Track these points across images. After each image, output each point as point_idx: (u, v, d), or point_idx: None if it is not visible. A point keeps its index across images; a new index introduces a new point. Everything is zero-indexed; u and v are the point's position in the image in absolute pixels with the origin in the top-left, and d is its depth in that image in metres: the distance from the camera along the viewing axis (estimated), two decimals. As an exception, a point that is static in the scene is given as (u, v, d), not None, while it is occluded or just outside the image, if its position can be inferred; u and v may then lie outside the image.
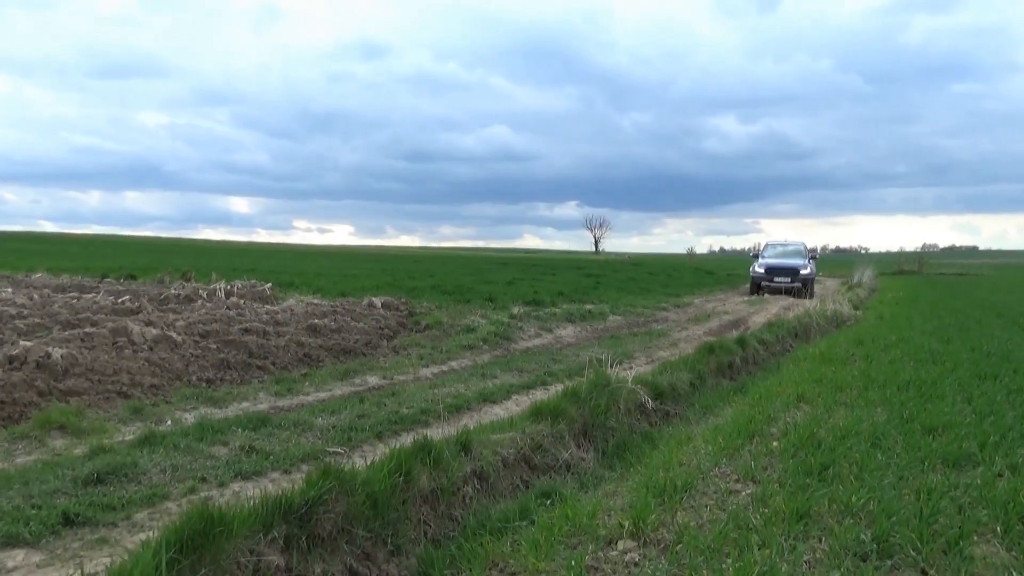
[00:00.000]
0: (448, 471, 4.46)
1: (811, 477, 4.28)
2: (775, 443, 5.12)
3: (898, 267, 49.77)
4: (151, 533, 3.41)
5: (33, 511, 3.95)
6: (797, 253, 26.89)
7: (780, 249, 27.88)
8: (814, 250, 28.18)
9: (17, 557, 3.50)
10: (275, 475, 4.85)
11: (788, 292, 24.66)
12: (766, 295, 24.69)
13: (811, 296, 23.92)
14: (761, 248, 29.21)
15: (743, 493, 4.17)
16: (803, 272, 24.93)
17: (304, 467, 4.88)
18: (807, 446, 4.92)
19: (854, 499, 3.84)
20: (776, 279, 25.09)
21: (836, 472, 4.36)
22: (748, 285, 26.91)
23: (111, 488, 4.40)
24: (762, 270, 25.65)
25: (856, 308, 18.02)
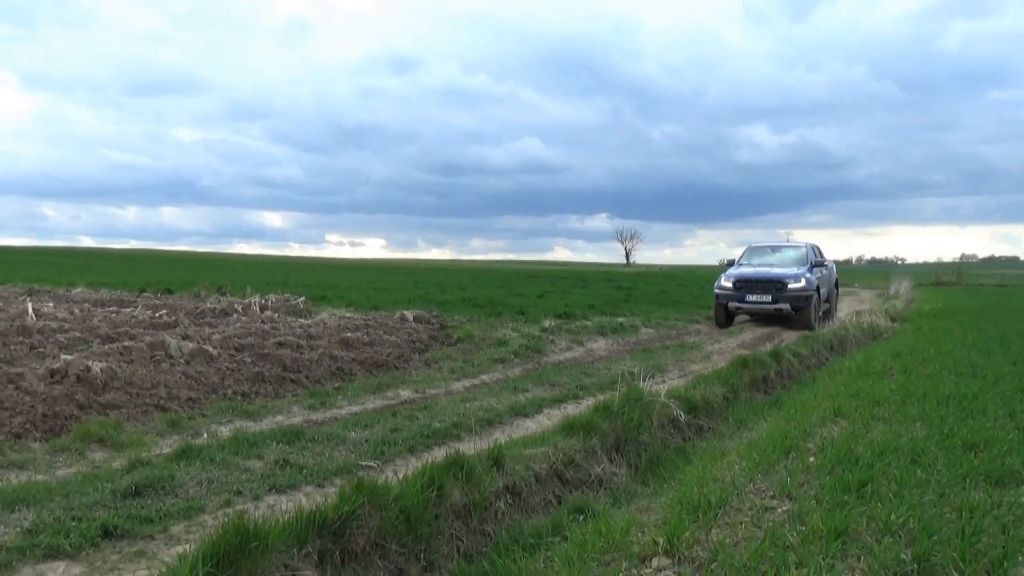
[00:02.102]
0: (480, 486, 4.46)
1: (849, 494, 4.21)
2: (812, 459, 5.05)
3: (936, 278, 48.94)
4: (188, 546, 3.46)
5: (73, 523, 4.01)
6: (793, 260, 18.30)
7: (769, 254, 19.25)
8: (822, 261, 18.75)
9: (58, 569, 3.56)
10: (309, 489, 4.89)
11: (773, 318, 17.39)
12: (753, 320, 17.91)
13: (815, 322, 16.77)
14: (740, 254, 19.72)
15: (779, 510, 4.11)
16: (793, 286, 16.69)
17: (337, 481, 4.91)
18: (845, 462, 4.83)
19: (893, 517, 3.77)
20: (750, 297, 17.01)
21: (875, 489, 4.28)
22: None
23: (149, 501, 4.46)
24: (729, 284, 17.37)
25: (893, 320, 17.73)
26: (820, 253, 19.29)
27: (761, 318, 17.61)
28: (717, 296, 17.54)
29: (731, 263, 19.08)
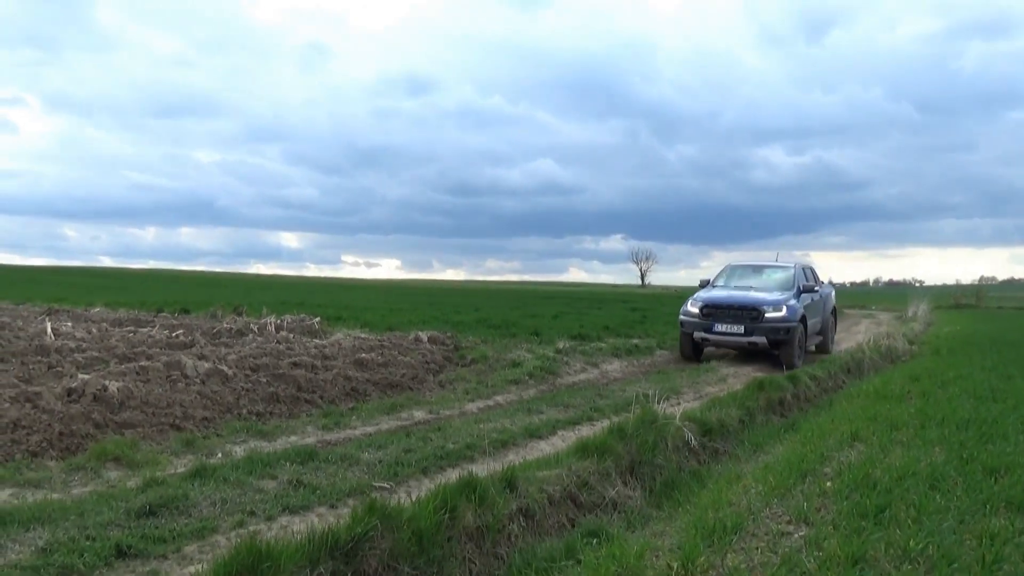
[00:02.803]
0: (494, 508, 4.44)
1: (867, 520, 4.16)
2: (828, 483, 4.99)
3: (954, 300, 48.48)
4: (200, 566, 3.46)
5: (87, 542, 4.03)
6: (777, 283, 15.27)
7: (751, 275, 16.10)
8: (812, 286, 15.50)
9: (71, 588, 3.57)
10: (322, 510, 4.88)
11: (749, 354, 14.46)
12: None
13: (798, 359, 13.61)
14: (717, 274, 16.63)
15: (796, 535, 4.06)
16: (772, 315, 13.69)
17: (350, 502, 4.90)
18: (862, 487, 4.78)
19: (912, 543, 3.72)
20: (719, 327, 14.03)
21: (893, 515, 4.23)
22: None
23: (163, 520, 4.47)
24: (696, 309, 14.44)
25: (911, 343, 17.57)
26: (813, 275, 16.38)
27: (747, 354, 14.57)
28: (682, 324, 14.51)
29: (705, 284, 15.88)
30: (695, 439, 6.87)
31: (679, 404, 8.11)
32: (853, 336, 20.77)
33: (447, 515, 4.10)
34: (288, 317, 16.78)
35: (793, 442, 6.87)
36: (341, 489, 5.20)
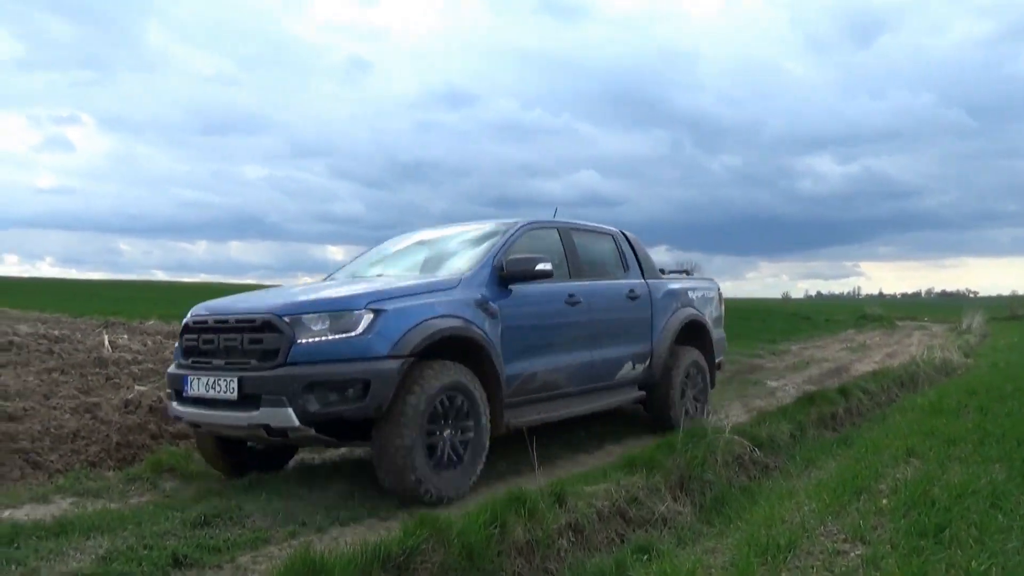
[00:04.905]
0: (544, 523, 4.43)
1: (926, 539, 4.05)
2: (884, 501, 4.88)
3: (1011, 311, 47.02)
4: (256, 578, 3.51)
5: (145, 551, 4.12)
6: (468, 260, 6.01)
7: (420, 252, 6.99)
8: (662, 269, 8.47)
9: (131, 597, 3.65)
10: (372, 521, 4.91)
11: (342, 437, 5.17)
12: None
13: (413, 484, 4.93)
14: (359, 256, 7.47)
15: (852, 555, 3.98)
16: (314, 340, 4.80)
17: (400, 515, 4.92)
18: (920, 505, 4.66)
19: (974, 564, 3.61)
20: (196, 384, 5.17)
21: (953, 534, 4.11)
22: (849, 331, 16.00)
23: (217, 531, 4.55)
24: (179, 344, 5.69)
25: (967, 355, 17.09)
26: (635, 253, 7.82)
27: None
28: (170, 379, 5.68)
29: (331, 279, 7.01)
30: (748, 453, 6.77)
31: (728, 418, 8.00)
32: (906, 349, 20.30)
33: (497, 529, 4.10)
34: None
35: (847, 458, 6.73)
36: (391, 501, 5.22)
